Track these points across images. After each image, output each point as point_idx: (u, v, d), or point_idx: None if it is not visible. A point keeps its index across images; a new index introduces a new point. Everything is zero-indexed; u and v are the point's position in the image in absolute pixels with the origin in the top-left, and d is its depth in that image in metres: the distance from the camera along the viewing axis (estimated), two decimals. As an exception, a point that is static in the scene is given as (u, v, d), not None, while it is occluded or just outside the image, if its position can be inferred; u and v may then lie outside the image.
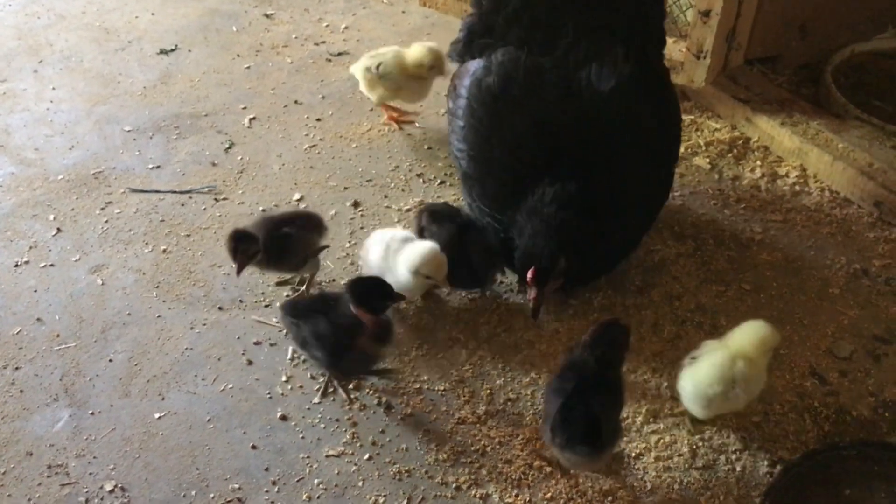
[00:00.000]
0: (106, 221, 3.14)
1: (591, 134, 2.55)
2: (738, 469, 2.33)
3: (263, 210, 3.15)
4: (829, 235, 3.03)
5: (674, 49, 3.61)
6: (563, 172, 2.51)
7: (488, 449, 2.39)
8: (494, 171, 2.67)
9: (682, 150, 3.35)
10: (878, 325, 2.71)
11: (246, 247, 2.57)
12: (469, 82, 2.71)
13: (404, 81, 3.37)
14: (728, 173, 3.30)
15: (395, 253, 2.64)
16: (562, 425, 2.10)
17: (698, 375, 2.30)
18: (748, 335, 2.34)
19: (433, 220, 2.81)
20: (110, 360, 2.65)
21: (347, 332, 2.39)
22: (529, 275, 2.45)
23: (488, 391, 2.53)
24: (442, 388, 2.55)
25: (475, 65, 2.72)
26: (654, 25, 2.79)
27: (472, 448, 2.39)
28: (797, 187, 3.23)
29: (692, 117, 3.54)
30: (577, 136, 2.55)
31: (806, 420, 2.44)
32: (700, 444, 2.39)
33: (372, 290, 2.43)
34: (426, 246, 2.62)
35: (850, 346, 2.64)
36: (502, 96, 2.62)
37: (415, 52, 3.36)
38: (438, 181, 3.30)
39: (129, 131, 3.58)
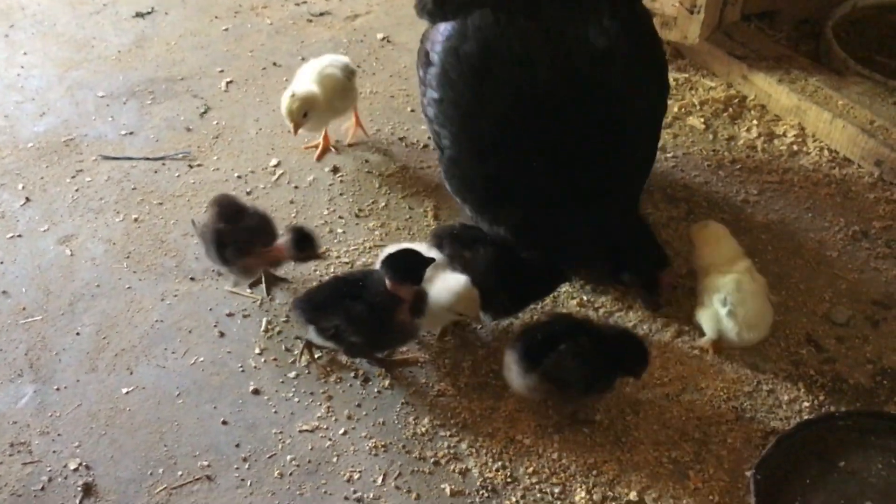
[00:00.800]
0: (76, 190, 3.02)
1: (590, 107, 2.37)
2: (728, 441, 2.23)
3: (239, 177, 3.03)
4: (827, 197, 2.91)
5: (666, 3, 3.45)
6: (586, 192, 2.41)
7: (469, 422, 2.29)
8: (483, 154, 2.45)
9: (675, 109, 3.25)
10: (877, 290, 2.60)
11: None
12: (442, 49, 2.44)
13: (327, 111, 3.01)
14: (723, 133, 3.17)
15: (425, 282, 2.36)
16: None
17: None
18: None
19: (461, 245, 2.50)
20: (77, 334, 2.55)
21: (386, 310, 2.27)
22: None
23: (470, 362, 2.43)
24: (422, 359, 2.44)
25: (447, 29, 2.45)
26: None
27: (452, 421, 2.29)
28: (795, 147, 3.10)
29: (686, 75, 3.40)
30: (573, 112, 2.36)
31: (801, 389, 2.34)
32: (689, 415, 2.29)
33: (409, 263, 2.31)
34: (460, 282, 2.33)
35: (848, 312, 2.53)
36: (483, 68, 2.38)
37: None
38: (422, 145, 3.18)
39: (102, 97, 3.45)
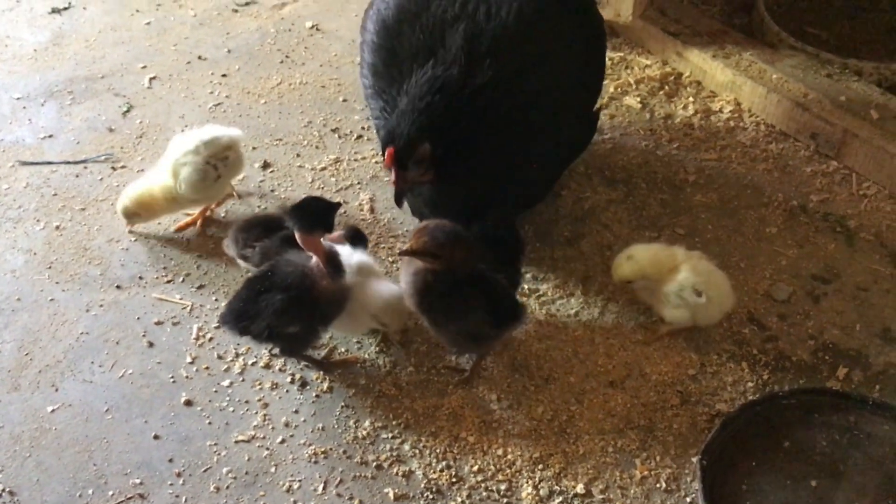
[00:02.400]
0: (-7, 199, 2.88)
1: (492, 33, 2.32)
2: (674, 427, 2.20)
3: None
4: (765, 172, 2.90)
5: (598, -18, 3.40)
6: (450, 57, 2.27)
7: (412, 422, 2.23)
8: (392, 87, 2.42)
9: (611, 89, 3.20)
10: (816, 264, 2.59)
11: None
12: (374, 17, 2.51)
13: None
14: (660, 112, 3.13)
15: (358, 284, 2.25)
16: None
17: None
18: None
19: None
20: (-2, 351, 2.43)
21: (304, 286, 2.14)
22: (387, 155, 2.19)
23: (412, 360, 2.37)
24: (361, 359, 2.37)
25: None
26: None
27: (395, 422, 2.23)
28: (731, 123, 3.08)
29: (621, 54, 3.36)
30: (472, 31, 2.31)
31: (744, 369, 2.32)
32: (634, 402, 2.25)
33: (317, 209, 2.14)
34: (393, 291, 2.25)
35: (789, 288, 2.52)
36: (396, 24, 2.41)
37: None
38: (355, 136, 3.09)
39: (18, 99, 3.29)
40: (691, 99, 3.17)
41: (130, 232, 2.71)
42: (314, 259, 2.16)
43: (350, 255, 2.24)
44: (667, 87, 3.22)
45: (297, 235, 2.12)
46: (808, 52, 3.15)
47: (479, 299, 2.11)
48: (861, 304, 2.48)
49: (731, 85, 3.13)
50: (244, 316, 2.16)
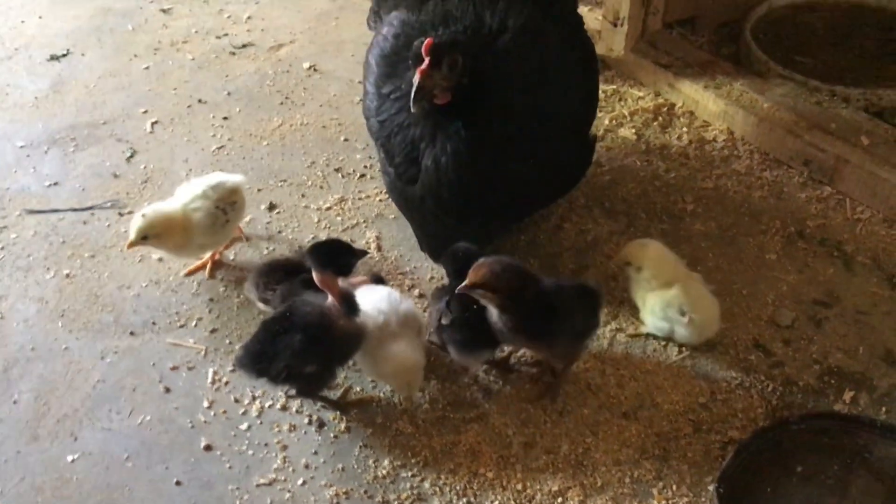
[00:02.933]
0: (2, 248, 2.90)
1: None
2: (689, 455, 2.24)
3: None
4: (761, 199, 2.97)
5: (590, 18, 3.48)
6: None
7: (430, 459, 2.26)
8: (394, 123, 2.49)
9: (606, 122, 3.27)
10: (816, 289, 2.66)
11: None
12: (377, 52, 2.61)
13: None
14: (655, 142, 3.21)
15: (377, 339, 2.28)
16: None
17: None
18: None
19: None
20: (15, 402, 2.43)
21: (322, 325, 2.19)
22: (425, 46, 2.20)
23: (427, 397, 2.40)
24: (377, 398, 2.40)
25: (383, 30, 2.63)
26: None
27: (413, 460, 2.26)
28: (726, 151, 3.15)
29: (614, 87, 3.43)
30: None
31: (753, 396, 2.37)
32: (648, 432, 2.29)
33: (337, 252, 2.21)
34: (409, 356, 2.25)
35: (792, 314, 2.58)
36: (395, 57, 2.52)
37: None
38: (358, 175, 3.14)
39: (21, 147, 3.32)
40: (685, 129, 3.25)
41: (130, 247, 2.58)
42: (330, 299, 2.20)
43: (398, 302, 2.32)
44: (661, 118, 3.30)
45: (313, 274, 2.17)
46: (796, 80, 3.24)
47: (572, 298, 2.23)
48: (862, 327, 2.54)
49: (723, 114, 3.21)
50: (262, 358, 2.20)
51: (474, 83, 2.29)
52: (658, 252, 2.47)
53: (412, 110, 2.25)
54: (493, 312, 2.20)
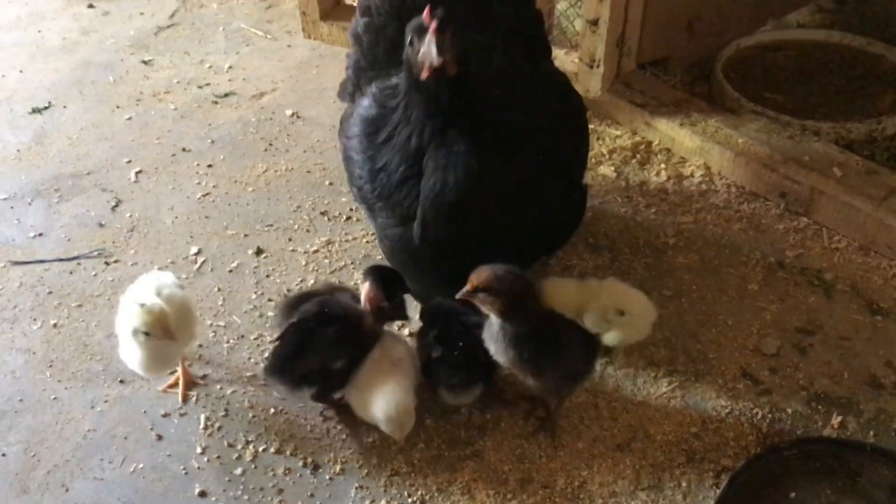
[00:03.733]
0: (-14, 300, 2.89)
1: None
2: (683, 485, 2.26)
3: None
4: (740, 231, 3.03)
5: (566, 60, 3.58)
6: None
7: (427, 499, 2.26)
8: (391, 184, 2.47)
9: (586, 160, 3.34)
10: (799, 317, 2.71)
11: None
12: (359, 119, 2.58)
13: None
14: (634, 179, 3.27)
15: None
16: None
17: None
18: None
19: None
20: (3, 455, 2.40)
21: (355, 321, 2.36)
22: (426, 12, 2.17)
23: (422, 436, 2.40)
24: (371, 439, 2.40)
25: (364, 101, 2.60)
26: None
27: (410, 500, 2.25)
28: (703, 186, 3.23)
29: (592, 126, 3.49)
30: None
31: (743, 424, 2.40)
32: (643, 463, 2.31)
33: (394, 279, 2.42)
34: (400, 400, 2.25)
35: (777, 342, 2.62)
36: (379, 116, 2.52)
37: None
38: (344, 217, 3.17)
39: (5, 199, 3.32)
40: (663, 165, 3.32)
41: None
42: (364, 303, 2.36)
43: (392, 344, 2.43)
44: (639, 156, 3.37)
45: (364, 287, 2.36)
46: (768, 115, 3.34)
47: (573, 335, 2.27)
48: (846, 352, 2.59)
49: (699, 150, 3.29)
50: (296, 355, 2.30)
51: (463, 81, 2.28)
52: (552, 288, 2.47)
53: (423, 77, 2.20)
54: (493, 324, 2.21)
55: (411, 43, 2.24)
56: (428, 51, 2.16)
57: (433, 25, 2.14)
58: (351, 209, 3.20)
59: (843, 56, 3.79)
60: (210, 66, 4.10)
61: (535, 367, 2.24)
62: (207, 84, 3.96)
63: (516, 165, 2.35)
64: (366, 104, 2.60)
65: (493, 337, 2.22)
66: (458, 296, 2.18)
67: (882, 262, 2.87)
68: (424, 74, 2.20)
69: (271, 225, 3.14)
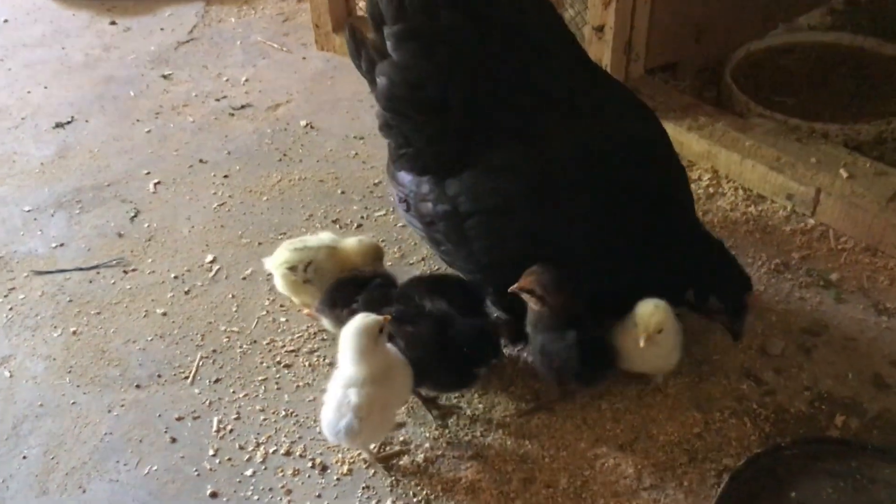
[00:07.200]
0: (10, 309, 2.98)
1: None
2: (685, 484, 2.28)
3: (175, 277, 3.04)
4: (747, 234, 3.05)
5: (574, 67, 3.61)
6: None
7: (432, 498, 2.30)
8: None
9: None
10: (804, 318, 2.72)
11: None
12: (441, 210, 2.48)
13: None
14: (643, 183, 3.29)
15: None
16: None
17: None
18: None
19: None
20: (24, 458, 2.49)
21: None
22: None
23: (426, 437, 2.45)
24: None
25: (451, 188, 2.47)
26: None
27: (415, 500, 2.30)
28: (711, 189, 3.24)
29: (601, 132, 3.54)
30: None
31: (746, 424, 2.42)
32: (645, 463, 2.34)
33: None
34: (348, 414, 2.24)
35: (781, 343, 2.63)
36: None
37: (353, 246, 2.75)
38: (356, 225, 3.23)
39: (28, 211, 3.43)
40: (671, 169, 3.34)
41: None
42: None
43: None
44: (647, 160, 3.39)
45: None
46: (776, 118, 3.34)
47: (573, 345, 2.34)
48: (851, 353, 2.60)
49: (707, 154, 3.31)
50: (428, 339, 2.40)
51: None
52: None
53: None
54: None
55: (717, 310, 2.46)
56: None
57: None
58: (362, 217, 3.26)
59: (853, 58, 3.79)
60: (227, 80, 4.19)
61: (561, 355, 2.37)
62: (225, 97, 4.05)
63: None
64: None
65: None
66: (509, 290, 2.34)
67: (889, 262, 2.87)
68: None
69: (284, 233, 3.21)
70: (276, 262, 2.71)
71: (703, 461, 2.33)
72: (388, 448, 2.43)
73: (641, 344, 2.31)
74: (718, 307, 2.45)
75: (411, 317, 2.43)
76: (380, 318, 2.26)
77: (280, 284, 2.74)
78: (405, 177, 2.57)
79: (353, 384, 2.23)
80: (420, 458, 2.39)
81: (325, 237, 2.77)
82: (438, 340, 2.38)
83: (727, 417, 2.44)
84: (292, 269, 2.67)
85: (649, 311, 2.34)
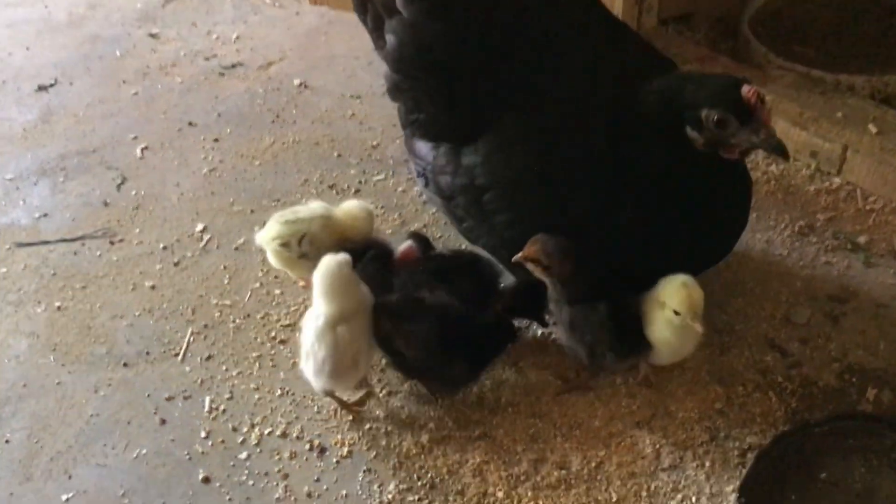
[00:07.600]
0: (-8, 283, 2.84)
1: None
2: (707, 464, 2.15)
3: (164, 248, 2.88)
4: (768, 195, 2.88)
5: (583, 18, 3.42)
6: None
7: (437, 481, 2.17)
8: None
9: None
10: (831, 284, 2.56)
11: None
12: (459, 184, 2.35)
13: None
14: (656, 142, 3.12)
15: None
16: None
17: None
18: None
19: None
20: (7, 441, 2.36)
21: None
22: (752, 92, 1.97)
23: (430, 416, 2.31)
24: (375, 422, 2.32)
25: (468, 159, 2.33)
26: None
27: (419, 483, 2.17)
28: (729, 147, 3.06)
29: (612, 87, 3.35)
30: None
31: (772, 398, 2.27)
32: (663, 442, 2.20)
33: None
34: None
35: (807, 311, 2.48)
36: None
37: (349, 212, 2.58)
38: (353, 190, 3.07)
39: (10, 179, 3.26)
40: (686, 126, 3.16)
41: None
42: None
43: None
44: (661, 117, 3.21)
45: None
46: (798, 70, 3.15)
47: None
48: (882, 321, 2.45)
49: (724, 110, 3.12)
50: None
51: None
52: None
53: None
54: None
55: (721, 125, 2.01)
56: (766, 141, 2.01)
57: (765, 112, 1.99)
58: (360, 182, 3.09)
59: (879, 4, 3.57)
60: (217, 37, 3.99)
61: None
62: (214, 56, 3.86)
63: None
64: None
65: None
66: (513, 259, 2.21)
67: (921, 223, 2.71)
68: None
69: (278, 200, 3.05)
70: (268, 237, 2.51)
71: (725, 439, 2.19)
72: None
73: (700, 329, 2.10)
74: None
75: (411, 313, 2.26)
76: (347, 256, 2.17)
77: (274, 261, 2.56)
78: (422, 148, 2.44)
79: (327, 323, 2.16)
80: (424, 438, 2.26)
81: (316, 207, 2.57)
82: (441, 340, 2.22)
83: (750, 392, 2.30)
84: (286, 245, 2.47)
85: (685, 290, 2.10)
